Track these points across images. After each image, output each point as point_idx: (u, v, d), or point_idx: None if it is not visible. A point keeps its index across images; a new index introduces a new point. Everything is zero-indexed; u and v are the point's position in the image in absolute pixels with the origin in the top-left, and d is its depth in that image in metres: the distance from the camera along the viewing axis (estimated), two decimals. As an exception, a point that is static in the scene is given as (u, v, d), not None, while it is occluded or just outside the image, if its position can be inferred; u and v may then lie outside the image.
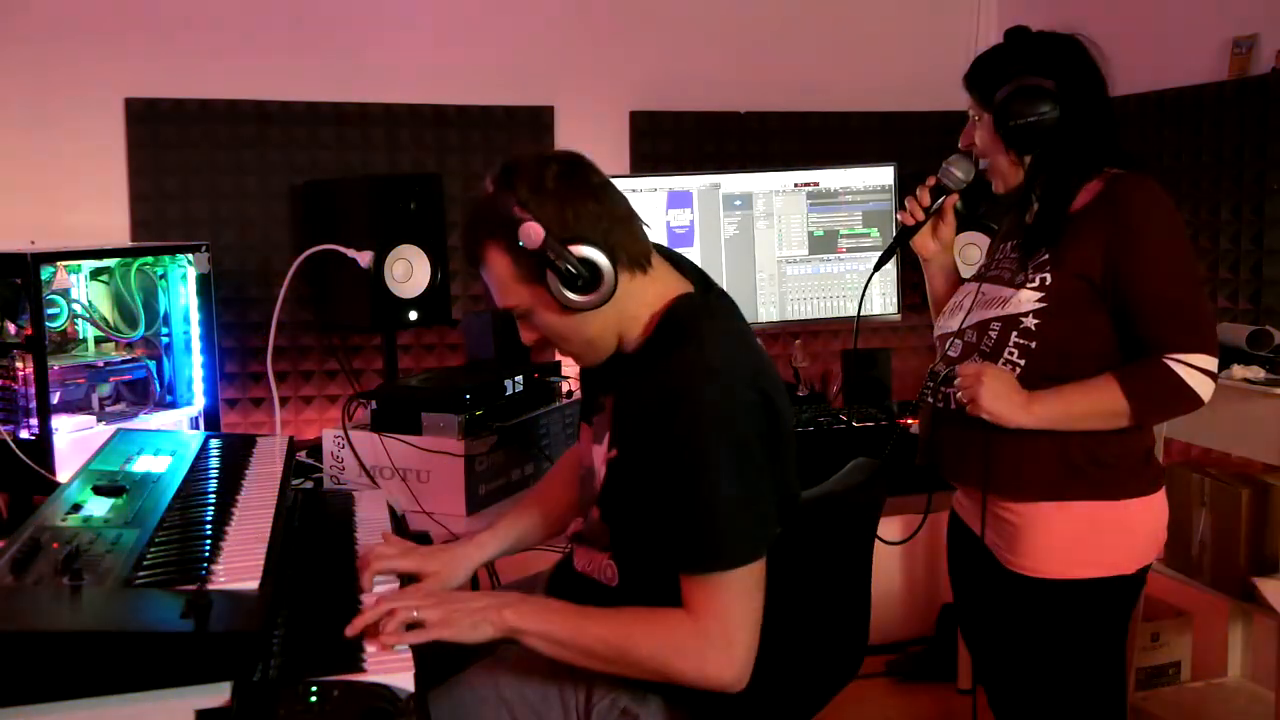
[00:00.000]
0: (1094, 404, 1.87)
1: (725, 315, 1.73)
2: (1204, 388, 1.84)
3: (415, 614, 1.53)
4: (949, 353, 2.04)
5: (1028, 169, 1.98)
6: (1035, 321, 1.90)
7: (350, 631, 1.50)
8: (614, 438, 1.71)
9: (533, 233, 1.58)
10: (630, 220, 1.68)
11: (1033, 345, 1.91)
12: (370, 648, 1.47)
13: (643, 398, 1.63)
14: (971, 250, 3.06)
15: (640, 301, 1.68)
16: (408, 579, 1.81)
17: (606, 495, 1.73)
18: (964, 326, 2.01)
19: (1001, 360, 1.93)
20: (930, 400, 2.07)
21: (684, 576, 1.57)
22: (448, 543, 2.01)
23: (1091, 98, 1.93)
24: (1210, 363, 1.84)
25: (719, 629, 1.55)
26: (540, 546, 2.06)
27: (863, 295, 2.34)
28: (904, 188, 2.22)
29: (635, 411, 1.66)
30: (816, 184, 3.19)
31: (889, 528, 2.06)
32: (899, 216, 2.20)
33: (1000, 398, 1.88)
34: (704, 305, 1.71)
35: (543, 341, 1.74)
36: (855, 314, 2.39)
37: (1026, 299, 1.91)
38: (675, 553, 1.57)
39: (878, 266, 2.27)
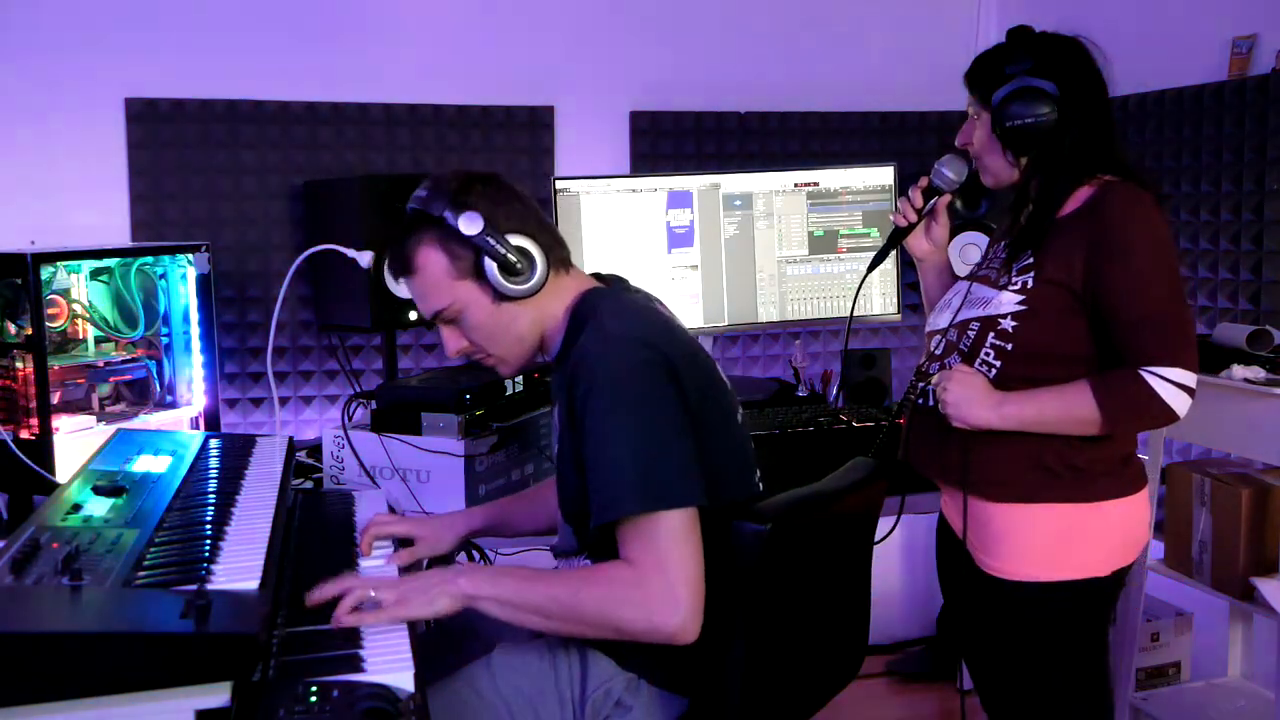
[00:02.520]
0: (1065, 409, 1.86)
1: (626, 293, 1.82)
2: (1179, 402, 1.82)
3: (372, 594, 1.56)
4: (934, 350, 2.05)
5: (1023, 170, 1.98)
6: (1013, 324, 1.90)
7: (310, 600, 1.56)
8: (557, 441, 1.78)
9: (473, 219, 1.69)
10: (551, 227, 1.81)
11: (1009, 347, 1.90)
12: (366, 646, 1.48)
13: (562, 389, 1.71)
14: (972, 251, 3.05)
15: (561, 299, 1.78)
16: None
17: (561, 494, 1.80)
18: (949, 325, 2.02)
19: (978, 361, 1.93)
20: (912, 397, 2.07)
21: (618, 531, 1.60)
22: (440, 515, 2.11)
23: (1091, 102, 1.92)
24: (1187, 378, 1.82)
25: (658, 576, 1.56)
26: (534, 545, 2.09)
27: (855, 297, 2.34)
28: (904, 188, 2.22)
29: (559, 403, 1.74)
30: (816, 184, 3.19)
31: (884, 526, 2.06)
32: (892, 218, 2.20)
33: (968, 401, 1.88)
34: (605, 291, 1.81)
35: (469, 350, 1.81)
36: (850, 315, 2.38)
37: (1007, 301, 1.91)
38: (602, 507, 1.60)
39: (871, 268, 2.28)
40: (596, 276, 1.87)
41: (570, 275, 1.81)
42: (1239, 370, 2.47)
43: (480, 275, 1.71)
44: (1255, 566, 2.55)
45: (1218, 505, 2.62)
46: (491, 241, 1.69)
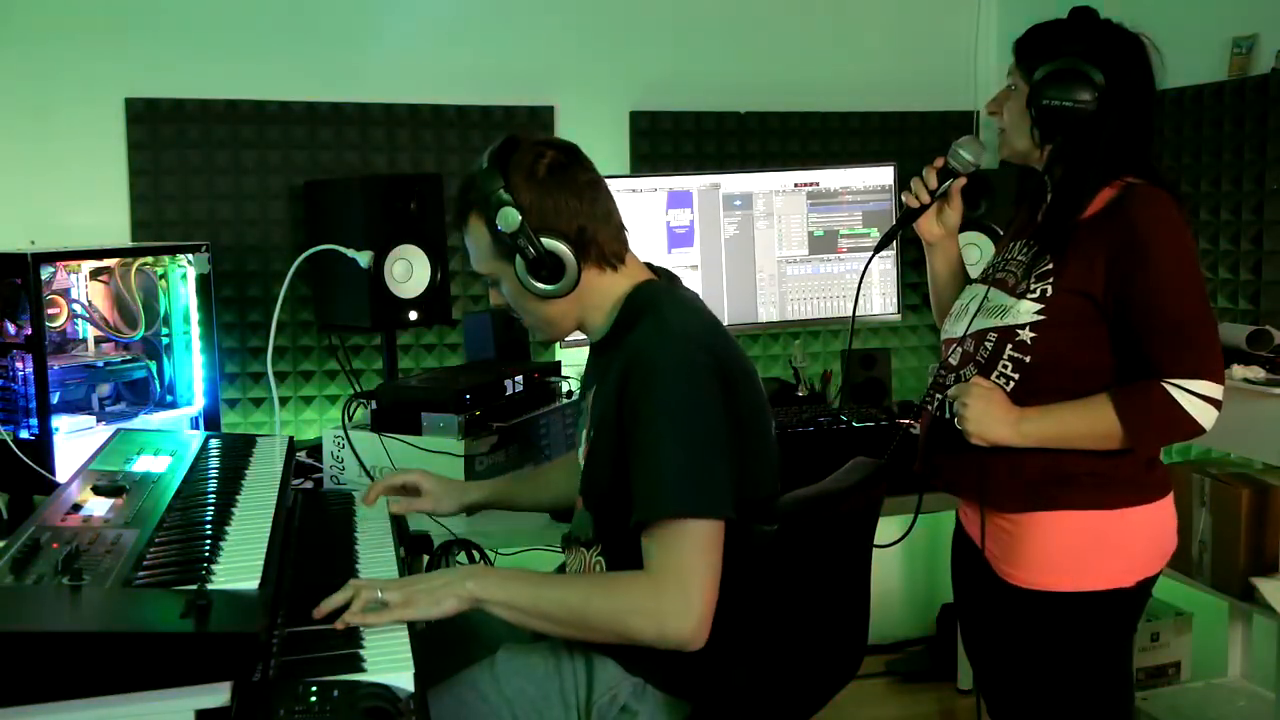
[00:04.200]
0: (1086, 425, 1.81)
1: (685, 297, 1.81)
2: (1205, 415, 1.76)
3: (380, 594, 1.56)
4: (949, 359, 1.99)
5: (1047, 156, 1.91)
6: (1032, 335, 1.84)
7: (318, 613, 1.54)
8: (590, 426, 1.77)
9: (509, 218, 1.68)
10: (609, 219, 1.77)
11: (1027, 359, 1.85)
12: (366, 646, 1.48)
13: (609, 376, 1.70)
14: (971, 250, 3.05)
15: (605, 295, 1.77)
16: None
17: (586, 481, 1.79)
18: (966, 334, 1.96)
19: (995, 373, 1.88)
20: (929, 407, 2.03)
21: (642, 535, 1.60)
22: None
23: (1135, 101, 1.85)
24: (1214, 389, 1.76)
25: (675, 585, 1.56)
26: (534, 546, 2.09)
27: (861, 279, 2.20)
28: (904, 188, 2.17)
29: (604, 391, 1.73)
30: (816, 184, 3.19)
31: (888, 528, 2.05)
32: (904, 198, 2.10)
33: (986, 419, 1.83)
34: (664, 288, 1.80)
35: (506, 308, 1.84)
36: (854, 307, 2.32)
37: (1025, 310, 1.85)
38: (642, 505, 1.60)
39: (879, 248, 2.16)
40: (649, 267, 1.85)
41: (620, 271, 1.78)
42: (1239, 370, 2.47)
43: (513, 262, 1.72)
44: (1255, 566, 2.55)
45: (1218, 505, 2.62)
46: (523, 243, 1.69)
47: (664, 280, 1.83)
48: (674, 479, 1.58)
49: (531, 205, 1.69)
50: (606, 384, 1.71)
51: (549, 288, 1.72)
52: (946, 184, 2.05)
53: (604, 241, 1.74)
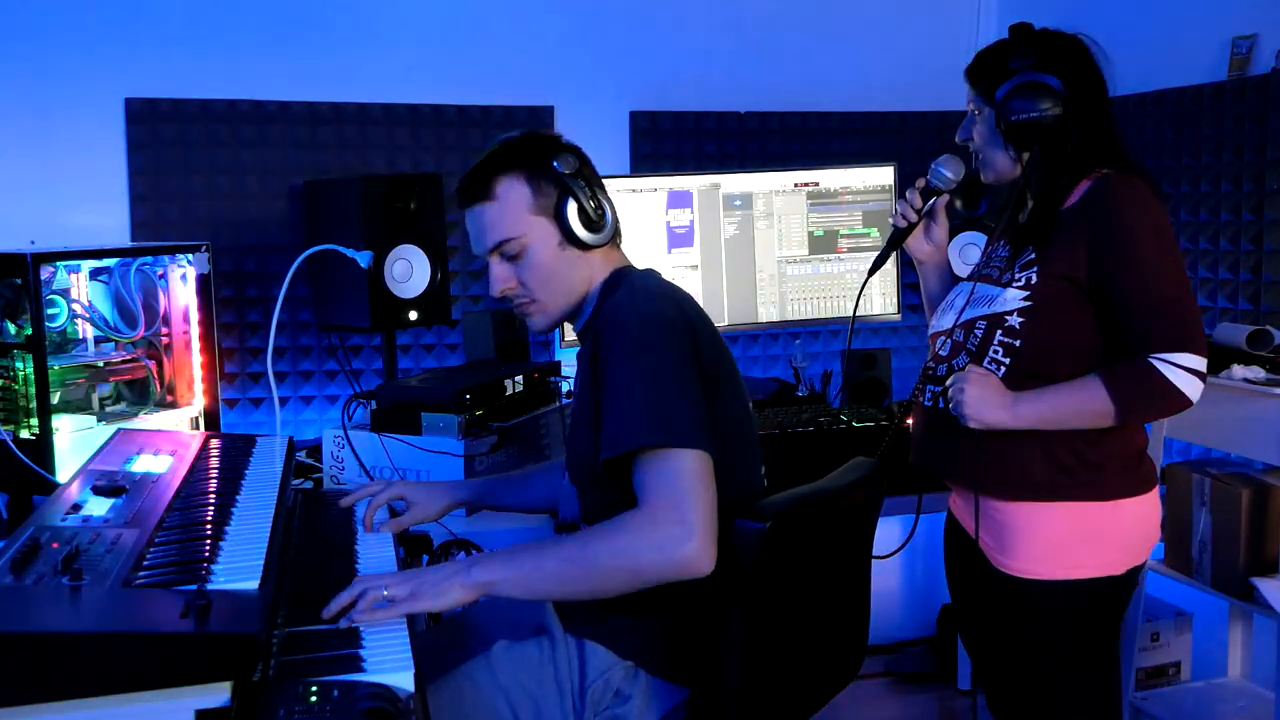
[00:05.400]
0: (1079, 404, 1.86)
1: (655, 275, 1.87)
2: (1191, 388, 1.82)
3: (385, 591, 1.56)
4: (939, 351, 2.04)
5: (1025, 165, 1.97)
6: (1020, 320, 1.90)
7: (326, 614, 1.54)
8: (572, 403, 1.85)
9: (574, 159, 1.79)
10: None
11: (1017, 344, 1.90)
12: (366, 646, 1.48)
13: (585, 354, 1.76)
14: (972, 250, 3.05)
15: (606, 266, 1.85)
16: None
17: (569, 456, 1.84)
18: (954, 325, 2.01)
19: (987, 359, 1.93)
20: (920, 399, 2.07)
21: (633, 472, 1.62)
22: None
23: (1093, 97, 1.92)
24: (1198, 362, 1.82)
25: (668, 510, 1.57)
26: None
27: (858, 300, 2.31)
28: (904, 188, 2.21)
29: (580, 367, 1.78)
30: (816, 184, 3.19)
31: (885, 528, 2.06)
32: (891, 220, 2.19)
33: (984, 403, 1.87)
34: (637, 270, 1.88)
35: (513, 291, 1.83)
36: (853, 317, 2.36)
37: (1012, 298, 1.90)
38: (614, 440, 1.62)
39: (872, 271, 2.23)
40: None
41: (618, 250, 1.88)
42: (1239, 370, 2.47)
43: (558, 215, 1.78)
44: (1255, 566, 2.55)
45: (1218, 505, 2.62)
46: (582, 182, 1.78)
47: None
48: (645, 411, 1.60)
49: (582, 159, 1.82)
50: (583, 360, 1.77)
51: (595, 236, 1.79)
52: (931, 202, 2.14)
53: (616, 219, 1.85)
